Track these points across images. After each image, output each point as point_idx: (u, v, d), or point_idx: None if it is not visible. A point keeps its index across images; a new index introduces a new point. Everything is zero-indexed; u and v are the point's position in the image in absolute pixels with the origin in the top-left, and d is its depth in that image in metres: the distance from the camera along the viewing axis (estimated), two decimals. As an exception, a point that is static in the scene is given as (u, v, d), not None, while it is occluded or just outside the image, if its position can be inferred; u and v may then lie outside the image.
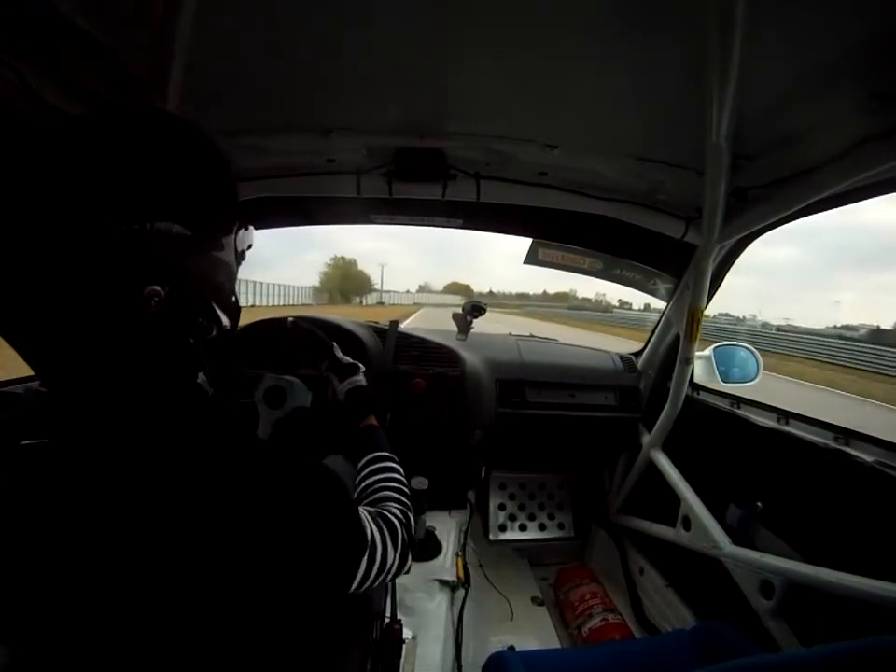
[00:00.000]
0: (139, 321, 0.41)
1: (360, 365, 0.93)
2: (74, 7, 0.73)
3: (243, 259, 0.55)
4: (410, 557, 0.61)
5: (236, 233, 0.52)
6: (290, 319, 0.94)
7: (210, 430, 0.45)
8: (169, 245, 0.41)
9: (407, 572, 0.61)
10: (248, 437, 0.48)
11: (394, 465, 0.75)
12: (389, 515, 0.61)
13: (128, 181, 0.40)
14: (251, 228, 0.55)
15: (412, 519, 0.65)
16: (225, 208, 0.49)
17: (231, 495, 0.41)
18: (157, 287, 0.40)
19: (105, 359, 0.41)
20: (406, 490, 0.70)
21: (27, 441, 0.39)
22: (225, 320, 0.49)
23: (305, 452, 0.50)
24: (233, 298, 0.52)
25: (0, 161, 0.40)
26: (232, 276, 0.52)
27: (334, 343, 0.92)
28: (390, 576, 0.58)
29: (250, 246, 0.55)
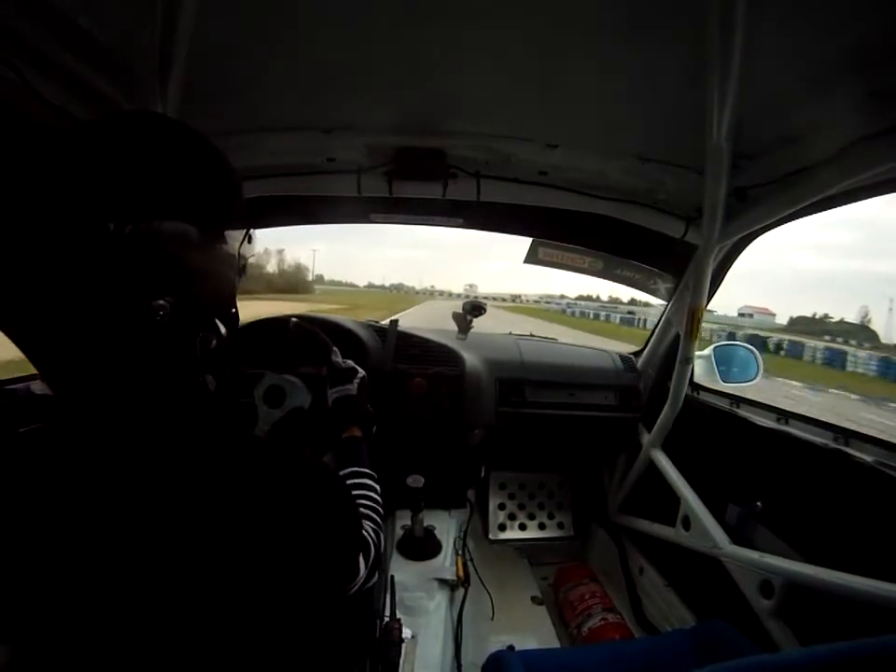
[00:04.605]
0: (146, 330, 0.41)
1: (358, 370, 0.91)
2: (74, 6, 0.73)
3: (244, 274, 0.56)
4: (376, 575, 0.61)
5: (241, 242, 0.53)
6: (294, 320, 0.94)
7: (210, 427, 0.45)
8: (176, 247, 0.42)
9: (364, 588, 0.60)
10: (248, 433, 0.48)
11: (371, 482, 0.73)
12: (363, 533, 0.61)
13: (131, 181, 0.40)
14: (255, 240, 0.56)
15: (382, 539, 0.66)
16: (229, 206, 0.50)
17: (232, 490, 0.41)
18: (163, 302, 0.41)
19: (109, 361, 0.41)
20: (381, 510, 0.70)
21: (24, 429, 0.39)
22: (223, 330, 0.51)
23: (303, 450, 0.51)
24: (233, 310, 0.54)
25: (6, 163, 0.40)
26: (233, 288, 0.53)
27: (334, 348, 0.91)
28: (356, 587, 0.57)
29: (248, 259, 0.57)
